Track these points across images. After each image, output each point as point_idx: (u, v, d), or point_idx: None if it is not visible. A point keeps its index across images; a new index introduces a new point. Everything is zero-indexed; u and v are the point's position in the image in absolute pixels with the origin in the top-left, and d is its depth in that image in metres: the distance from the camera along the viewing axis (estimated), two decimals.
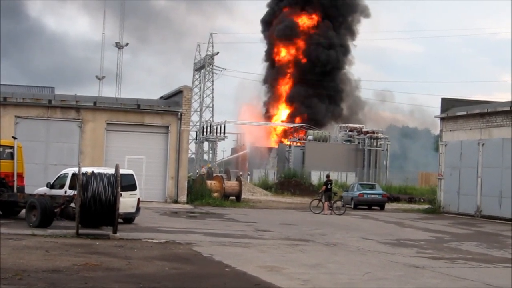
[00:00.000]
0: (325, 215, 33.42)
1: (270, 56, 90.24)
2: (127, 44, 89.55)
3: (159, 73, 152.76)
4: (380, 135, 73.55)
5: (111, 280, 12.40)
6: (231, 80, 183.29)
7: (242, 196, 42.80)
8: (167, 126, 37.22)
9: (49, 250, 15.79)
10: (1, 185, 23.63)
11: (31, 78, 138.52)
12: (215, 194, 39.50)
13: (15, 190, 23.84)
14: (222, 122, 78.34)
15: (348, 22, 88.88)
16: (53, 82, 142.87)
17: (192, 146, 78.31)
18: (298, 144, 74.85)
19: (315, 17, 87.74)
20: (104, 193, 18.45)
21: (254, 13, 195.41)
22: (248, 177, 69.04)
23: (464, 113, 37.76)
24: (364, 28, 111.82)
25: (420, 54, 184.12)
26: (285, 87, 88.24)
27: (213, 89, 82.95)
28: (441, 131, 40.30)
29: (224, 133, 77.94)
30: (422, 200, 49.42)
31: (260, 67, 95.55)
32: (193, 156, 79.33)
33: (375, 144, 73.08)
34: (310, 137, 74.01)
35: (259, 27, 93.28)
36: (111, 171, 19.67)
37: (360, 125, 76.74)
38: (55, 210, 21.19)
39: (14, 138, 25.88)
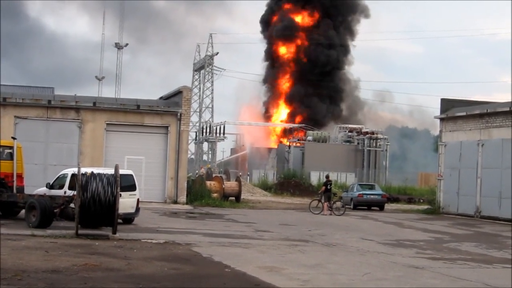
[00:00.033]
0: (325, 215, 33.43)
1: (269, 56, 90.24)
2: (126, 44, 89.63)
3: (158, 74, 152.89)
4: (379, 136, 73.55)
5: (111, 280, 12.41)
6: (230, 81, 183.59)
7: (242, 197, 42.81)
8: (167, 127, 37.23)
9: (49, 250, 15.79)
10: (1, 186, 23.61)
11: (30, 78, 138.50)
12: (215, 195, 39.52)
13: (14, 190, 23.85)
14: (221, 122, 78.35)
15: (348, 22, 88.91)
16: (52, 82, 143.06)
17: (192, 147, 78.38)
18: (298, 144, 74.84)
19: (315, 16, 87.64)
20: (104, 193, 18.46)
21: (254, 14, 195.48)
22: (248, 177, 69.05)
23: (464, 113, 37.77)
24: (363, 29, 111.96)
25: (419, 55, 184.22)
26: (285, 84, 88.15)
27: (212, 90, 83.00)
28: (440, 131, 40.31)
29: (223, 133, 77.96)
30: (421, 200, 49.42)
31: (260, 67, 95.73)
32: (193, 156, 79.32)
33: (374, 144, 73.07)
34: (309, 138, 74.03)
35: (258, 27, 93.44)
36: (111, 171, 19.67)
37: (360, 126, 76.75)
38: (55, 210, 21.19)
39: (13, 138, 25.90)
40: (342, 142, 74.50)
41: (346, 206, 37.84)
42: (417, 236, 24.92)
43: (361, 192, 41.99)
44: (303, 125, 79.12)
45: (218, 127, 77.76)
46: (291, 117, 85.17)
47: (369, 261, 16.60)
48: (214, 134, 77.50)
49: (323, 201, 34.70)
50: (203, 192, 38.64)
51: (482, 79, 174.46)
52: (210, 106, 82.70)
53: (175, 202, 36.42)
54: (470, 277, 14.85)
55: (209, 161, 77.99)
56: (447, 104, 40.03)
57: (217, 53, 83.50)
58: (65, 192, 22.31)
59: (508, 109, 34.22)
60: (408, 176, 68.38)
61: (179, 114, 37.12)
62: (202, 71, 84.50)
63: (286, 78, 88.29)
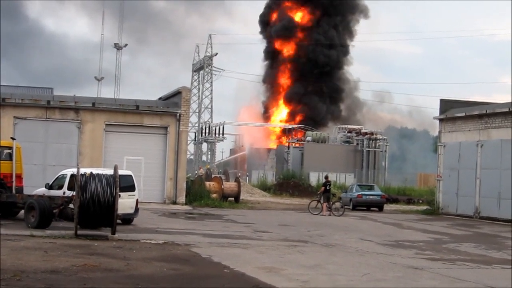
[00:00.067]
0: (324, 216, 33.42)
1: (269, 55, 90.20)
2: (126, 45, 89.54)
3: (158, 74, 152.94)
4: (378, 136, 73.59)
5: (110, 281, 12.40)
6: (230, 81, 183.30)
7: (241, 197, 42.79)
8: (166, 127, 37.22)
9: (48, 251, 15.78)
10: (0, 186, 23.62)
11: (30, 79, 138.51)
12: (214, 195, 39.52)
13: (13, 190, 23.83)
14: (221, 123, 78.36)
15: (347, 22, 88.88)
16: (52, 83, 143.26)
17: (191, 147, 78.41)
18: (297, 145, 74.86)
19: (315, 15, 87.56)
20: (103, 194, 18.45)
21: (253, 14, 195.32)
22: (247, 178, 69.06)
23: (463, 114, 37.78)
24: (362, 29, 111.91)
25: (418, 55, 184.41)
26: (285, 82, 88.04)
27: (211, 90, 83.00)
28: (439, 132, 40.31)
29: (223, 134, 77.99)
30: (420, 201, 49.39)
31: (259, 67, 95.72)
32: (192, 157, 79.32)
33: (373, 145, 73.10)
34: (308, 138, 74.04)
35: (257, 28, 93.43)
36: (110, 172, 19.66)
37: (359, 126, 76.79)
38: (54, 211, 21.19)
39: (12, 138, 25.88)
40: (341, 142, 74.53)
41: (345, 206, 37.84)
42: (416, 236, 24.92)
43: (360, 193, 41.97)
44: (302, 125, 79.13)
45: (217, 128, 77.77)
46: (291, 116, 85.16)
47: (368, 262, 16.60)
48: (213, 135, 77.52)
49: (322, 201, 34.69)
50: (202, 193, 38.63)
51: (481, 79, 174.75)
52: (209, 106, 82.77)
53: (174, 202, 36.41)
54: (469, 277, 14.85)
55: (208, 162, 78.01)
56: (446, 105, 40.04)
57: (217, 53, 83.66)
58: (64, 193, 22.31)
59: (507, 109, 34.23)
60: (407, 176, 68.41)
61: (178, 114, 37.12)
62: (201, 72, 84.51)
63: (285, 77, 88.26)
